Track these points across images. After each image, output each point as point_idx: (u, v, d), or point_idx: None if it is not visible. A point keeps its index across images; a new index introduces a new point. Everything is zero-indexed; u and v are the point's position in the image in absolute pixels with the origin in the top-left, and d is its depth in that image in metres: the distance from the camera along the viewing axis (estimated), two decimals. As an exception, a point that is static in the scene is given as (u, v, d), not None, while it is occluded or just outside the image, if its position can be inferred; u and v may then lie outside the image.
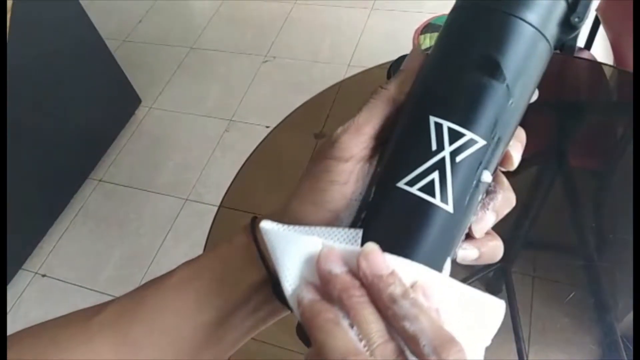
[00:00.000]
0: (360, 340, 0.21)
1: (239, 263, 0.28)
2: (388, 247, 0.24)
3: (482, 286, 0.79)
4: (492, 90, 0.24)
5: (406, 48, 1.61)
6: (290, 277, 0.24)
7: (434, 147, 0.24)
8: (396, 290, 0.21)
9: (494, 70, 0.24)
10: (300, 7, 2.09)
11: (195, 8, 2.20)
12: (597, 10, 1.16)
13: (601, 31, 1.17)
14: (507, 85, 0.24)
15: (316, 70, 1.83)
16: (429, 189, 0.24)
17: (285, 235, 0.24)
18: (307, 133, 0.97)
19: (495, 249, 0.27)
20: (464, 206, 0.24)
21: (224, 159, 1.64)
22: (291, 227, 0.24)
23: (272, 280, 0.27)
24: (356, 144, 0.26)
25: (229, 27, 2.09)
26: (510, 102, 0.25)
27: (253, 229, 0.28)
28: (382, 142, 0.27)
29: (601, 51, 1.24)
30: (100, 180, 1.66)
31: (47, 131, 1.47)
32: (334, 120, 0.96)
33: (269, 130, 0.98)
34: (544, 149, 0.95)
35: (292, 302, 0.23)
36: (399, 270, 0.22)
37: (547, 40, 0.25)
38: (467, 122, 0.24)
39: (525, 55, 0.25)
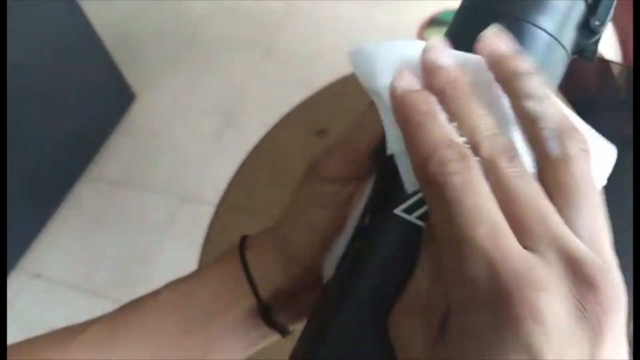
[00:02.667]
0: (461, 136, 0.18)
1: (228, 288, 0.27)
2: (386, 277, 0.22)
3: None
4: None
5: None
6: (385, 75, 0.20)
7: None
8: (523, 67, 0.18)
9: None
10: (300, 1, 2.06)
11: (193, 2, 2.17)
12: (604, 5, 1.14)
13: (609, 28, 1.15)
14: None
15: (317, 65, 1.80)
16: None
17: (377, 45, 0.21)
18: (308, 130, 0.95)
19: None
20: None
21: (221, 157, 1.62)
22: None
23: (261, 306, 0.27)
24: (349, 164, 0.24)
25: (227, 21, 2.06)
26: None
27: (242, 252, 0.27)
28: (378, 160, 0.24)
29: (609, 49, 1.22)
30: (94, 179, 1.64)
31: (39, 128, 1.45)
32: (335, 117, 0.94)
33: (268, 127, 0.96)
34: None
35: (385, 96, 0.20)
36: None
37: (563, 47, 0.23)
38: None
39: (539, 66, 0.23)
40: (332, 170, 0.24)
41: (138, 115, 1.79)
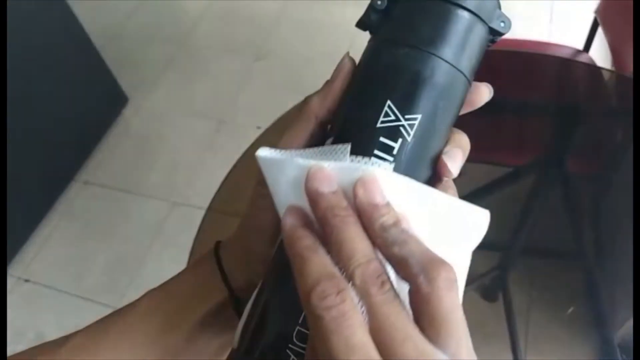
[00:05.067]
0: (340, 261, 0.21)
1: (203, 286, 0.29)
2: None
3: (478, 293, 0.78)
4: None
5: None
6: (280, 204, 0.24)
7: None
8: (389, 220, 0.21)
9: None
10: (293, 4, 2.06)
11: (186, 4, 2.17)
12: (596, 12, 1.15)
13: (600, 33, 1.16)
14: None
15: (310, 69, 1.80)
16: None
17: (276, 161, 0.24)
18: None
19: None
20: None
21: (213, 161, 1.61)
22: (285, 151, 0.24)
23: (233, 300, 0.28)
24: None
25: (220, 24, 2.06)
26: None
27: (217, 252, 0.30)
28: None
29: (600, 54, 1.23)
30: (85, 182, 1.62)
31: (31, 131, 1.43)
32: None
33: (260, 131, 0.96)
34: (543, 155, 0.94)
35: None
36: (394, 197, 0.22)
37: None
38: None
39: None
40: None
41: (130, 118, 1.78)
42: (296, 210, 0.23)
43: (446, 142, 0.25)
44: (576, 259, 0.81)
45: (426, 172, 0.24)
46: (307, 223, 0.22)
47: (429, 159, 0.24)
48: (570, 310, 0.71)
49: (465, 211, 0.23)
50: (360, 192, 0.22)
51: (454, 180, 0.25)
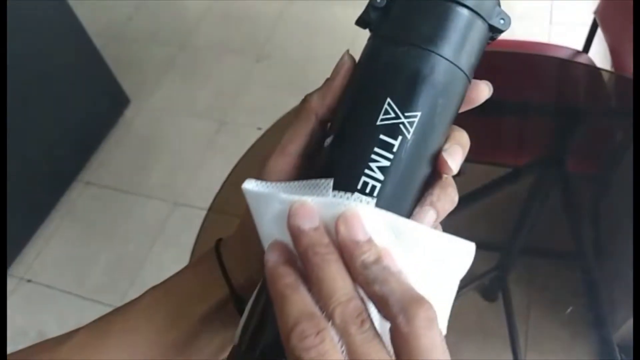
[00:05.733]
0: (321, 300, 0.21)
1: (205, 283, 0.29)
2: None
3: (478, 293, 0.78)
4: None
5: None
6: (264, 237, 0.24)
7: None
8: (370, 258, 0.21)
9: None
10: (295, 5, 2.06)
11: (187, 5, 2.17)
12: (595, 12, 1.15)
13: (599, 34, 1.16)
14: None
15: (311, 69, 1.80)
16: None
17: (261, 195, 0.24)
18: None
19: None
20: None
21: (214, 161, 1.61)
22: (271, 184, 0.24)
23: (234, 297, 0.28)
24: (282, 165, 0.26)
25: (221, 25, 2.06)
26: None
27: (218, 250, 0.30)
28: (311, 158, 0.26)
29: (599, 55, 1.23)
30: (87, 183, 1.63)
31: (33, 132, 1.44)
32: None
33: (261, 132, 0.96)
34: (543, 155, 0.94)
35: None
36: (375, 233, 0.22)
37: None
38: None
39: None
40: (268, 174, 0.26)
41: (132, 119, 1.78)
42: (279, 246, 0.22)
43: (446, 139, 0.25)
44: (576, 259, 0.81)
45: (426, 169, 0.24)
46: (289, 259, 0.22)
47: (428, 156, 0.24)
48: (569, 310, 0.71)
49: (450, 244, 0.23)
50: (342, 228, 0.21)
51: (454, 179, 0.25)
